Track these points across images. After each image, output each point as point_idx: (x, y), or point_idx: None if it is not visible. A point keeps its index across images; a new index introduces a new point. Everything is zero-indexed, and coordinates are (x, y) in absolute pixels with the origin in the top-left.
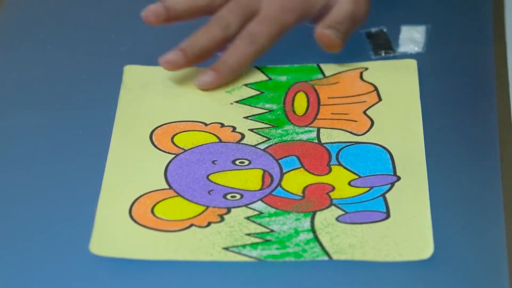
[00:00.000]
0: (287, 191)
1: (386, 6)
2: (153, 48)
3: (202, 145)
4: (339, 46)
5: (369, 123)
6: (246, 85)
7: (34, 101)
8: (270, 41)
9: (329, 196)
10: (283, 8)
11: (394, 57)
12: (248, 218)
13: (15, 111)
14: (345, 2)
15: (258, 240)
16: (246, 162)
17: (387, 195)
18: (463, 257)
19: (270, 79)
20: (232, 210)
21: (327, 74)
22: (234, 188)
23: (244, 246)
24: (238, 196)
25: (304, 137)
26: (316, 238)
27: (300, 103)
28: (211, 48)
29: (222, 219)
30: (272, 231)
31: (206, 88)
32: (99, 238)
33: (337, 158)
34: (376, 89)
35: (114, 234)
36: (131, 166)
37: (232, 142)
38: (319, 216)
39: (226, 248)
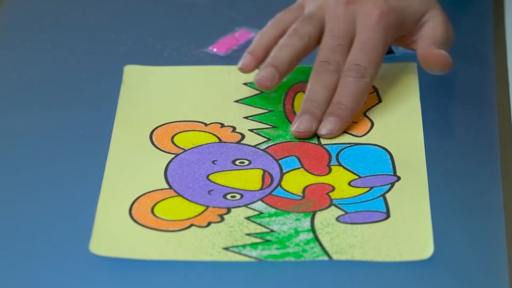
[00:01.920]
0: (287, 191)
1: None
2: (153, 48)
3: (202, 145)
4: (451, 64)
5: (369, 124)
6: (246, 84)
7: (34, 101)
8: (378, 67)
9: (329, 196)
10: (381, 25)
11: (394, 58)
12: (248, 218)
13: (15, 111)
14: (438, 22)
15: (258, 240)
16: (246, 162)
17: (387, 195)
18: (463, 257)
19: None
20: (232, 210)
21: None
22: (234, 188)
23: (244, 246)
24: (238, 196)
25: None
26: (316, 238)
27: (300, 104)
28: (331, 97)
29: (222, 219)
30: (272, 231)
31: (330, 136)
32: (99, 238)
33: (337, 159)
34: (376, 90)
35: (114, 234)
36: (131, 166)
37: (232, 142)
38: (319, 216)
39: (226, 248)
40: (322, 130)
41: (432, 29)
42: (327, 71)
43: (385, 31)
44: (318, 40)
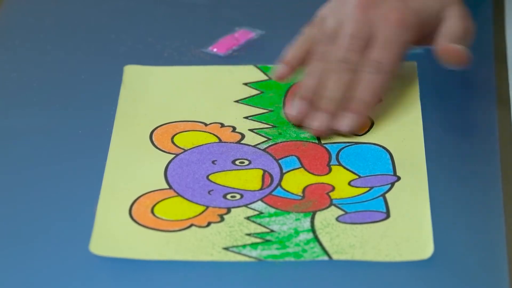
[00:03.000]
0: (287, 191)
1: None
2: (153, 48)
3: (202, 145)
4: (469, 59)
5: (369, 123)
6: (246, 84)
7: (34, 101)
8: (397, 65)
9: (329, 196)
10: (401, 26)
11: None
12: (248, 218)
13: (15, 111)
14: (457, 18)
15: (258, 240)
16: (246, 162)
17: (387, 195)
18: (463, 257)
19: (270, 79)
20: (232, 210)
21: None
22: (234, 188)
23: (244, 246)
24: (238, 196)
25: (304, 137)
26: (316, 238)
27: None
28: (343, 95)
29: (222, 219)
30: (272, 231)
31: (350, 132)
32: (99, 238)
33: (337, 158)
34: None
35: (114, 234)
36: (131, 166)
37: (232, 142)
38: (319, 216)
39: (226, 248)
40: (343, 127)
41: (450, 25)
42: (343, 70)
43: (405, 32)
44: None
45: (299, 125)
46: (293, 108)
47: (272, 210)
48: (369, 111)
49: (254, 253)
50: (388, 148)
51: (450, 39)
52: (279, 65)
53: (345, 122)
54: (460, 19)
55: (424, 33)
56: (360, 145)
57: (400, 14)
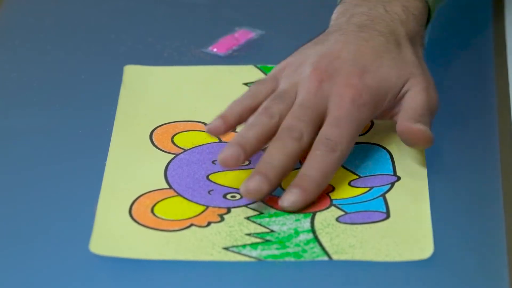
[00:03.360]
0: None
1: None
2: (153, 48)
3: (202, 145)
4: (432, 141)
5: (369, 123)
6: (246, 84)
7: (34, 101)
8: (350, 144)
9: (329, 197)
10: (355, 104)
11: None
12: (248, 218)
13: (15, 111)
14: (418, 91)
15: (258, 240)
16: (246, 162)
17: (387, 195)
18: (463, 257)
19: None
20: (232, 210)
21: None
22: (234, 188)
23: (244, 246)
24: (238, 196)
25: None
26: (316, 238)
27: None
28: (290, 165)
29: (222, 219)
30: (272, 231)
31: (292, 209)
32: (99, 237)
33: None
34: None
35: (114, 233)
36: (131, 166)
37: None
38: (319, 217)
39: (226, 248)
40: (285, 202)
41: (412, 100)
42: (288, 138)
43: (359, 110)
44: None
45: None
46: (224, 152)
47: (272, 210)
48: (317, 191)
49: (254, 253)
50: (388, 148)
51: (412, 117)
52: (215, 119)
53: (288, 197)
54: (422, 92)
55: (383, 109)
56: (360, 145)
57: (355, 91)
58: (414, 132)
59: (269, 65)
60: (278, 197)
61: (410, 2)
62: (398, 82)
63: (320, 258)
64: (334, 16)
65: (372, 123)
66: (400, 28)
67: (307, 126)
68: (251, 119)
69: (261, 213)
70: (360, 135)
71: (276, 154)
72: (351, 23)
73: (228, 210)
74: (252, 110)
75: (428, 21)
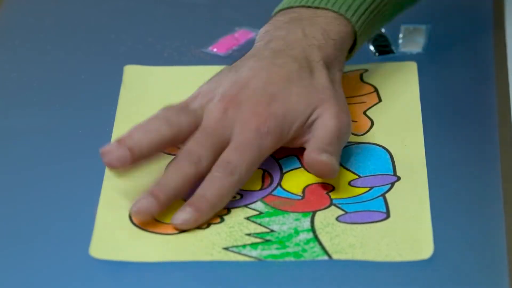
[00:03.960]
0: (287, 191)
1: None
2: (153, 48)
3: None
4: (336, 172)
5: (369, 123)
6: None
7: (34, 101)
8: (250, 169)
9: (329, 196)
10: (258, 132)
11: (394, 58)
12: (248, 218)
13: (15, 111)
14: (327, 118)
15: (258, 240)
16: None
17: (387, 195)
18: (463, 257)
19: None
20: (232, 210)
21: None
22: None
23: (244, 246)
24: (238, 196)
25: None
26: (316, 238)
27: None
28: (185, 188)
29: (222, 219)
30: (272, 231)
31: (184, 227)
32: (99, 241)
33: None
34: (376, 90)
35: (114, 238)
36: (131, 168)
37: None
38: (319, 216)
39: (226, 248)
40: (177, 220)
41: (321, 127)
42: (186, 161)
43: (263, 137)
44: (187, 136)
45: None
46: (137, 205)
47: (272, 210)
48: (211, 212)
49: (254, 253)
50: (388, 148)
51: (319, 147)
52: (112, 143)
53: (180, 215)
54: (332, 119)
55: (292, 136)
56: (360, 145)
57: (260, 119)
58: (318, 164)
59: None
60: (279, 196)
61: (331, 26)
62: (307, 110)
63: (320, 258)
64: (257, 37)
65: (372, 123)
66: (316, 53)
67: (207, 151)
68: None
69: (261, 213)
70: (360, 135)
71: (172, 177)
72: (267, 48)
73: (228, 211)
74: (169, 142)
75: (355, 44)
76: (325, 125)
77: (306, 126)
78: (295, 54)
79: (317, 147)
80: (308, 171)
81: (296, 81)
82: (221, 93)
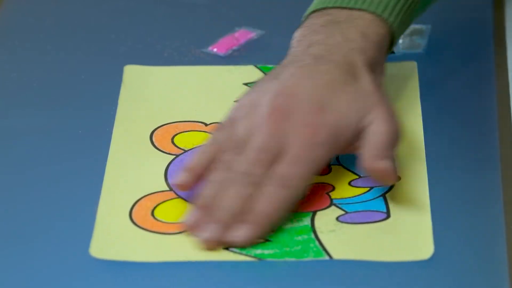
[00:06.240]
0: None
1: None
2: (153, 48)
3: (202, 145)
4: (396, 176)
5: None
6: (246, 84)
7: (34, 101)
8: (305, 182)
9: (329, 196)
10: (313, 143)
11: (395, 58)
12: None
13: (15, 111)
14: (380, 124)
15: (258, 240)
16: None
17: (387, 195)
18: (463, 257)
19: None
20: None
21: None
22: None
23: None
24: None
25: None
26: (316, 238)
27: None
28: (241, 208)
29: None
30: (272, 230)
31: (244, 245)
32: (99, 241)
33: (337, 158)
34: None
35: (114, 237)
36: (131, 167)
37: None
38: (319, 216)
39: (226, 248)
40: (237, 238)
41: (374, 133)
42: (245, 183)
43: (318, 148)
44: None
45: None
46: (188, 216)
47: None
48: (268, 224)
49: (254, 253)
50: None
51: (377, 154)
52: (181, 173)
53: (240, 232)
54: (384, 124)
55: (344, 144)
56: None
57: (313, 130)
58: (381, 171)
59: (269, 65)
60: None
61: (370, 28)
62: (357, 116)
63: (320, 258)
64: (293, 41)
65: None
66: (358, 57)
67: (263, 169)
68: (212, 176)
69: None
70: None
71: (233, 199)
72: (307, 54)
73: None
74: (214, 159)
75: (392, 45)
76: (379, 131)
77: (358, 132)
78: (337, 59)
79: (375, 154)
80: (372, 179)
81: (342, 88)
82: (267, 104)
